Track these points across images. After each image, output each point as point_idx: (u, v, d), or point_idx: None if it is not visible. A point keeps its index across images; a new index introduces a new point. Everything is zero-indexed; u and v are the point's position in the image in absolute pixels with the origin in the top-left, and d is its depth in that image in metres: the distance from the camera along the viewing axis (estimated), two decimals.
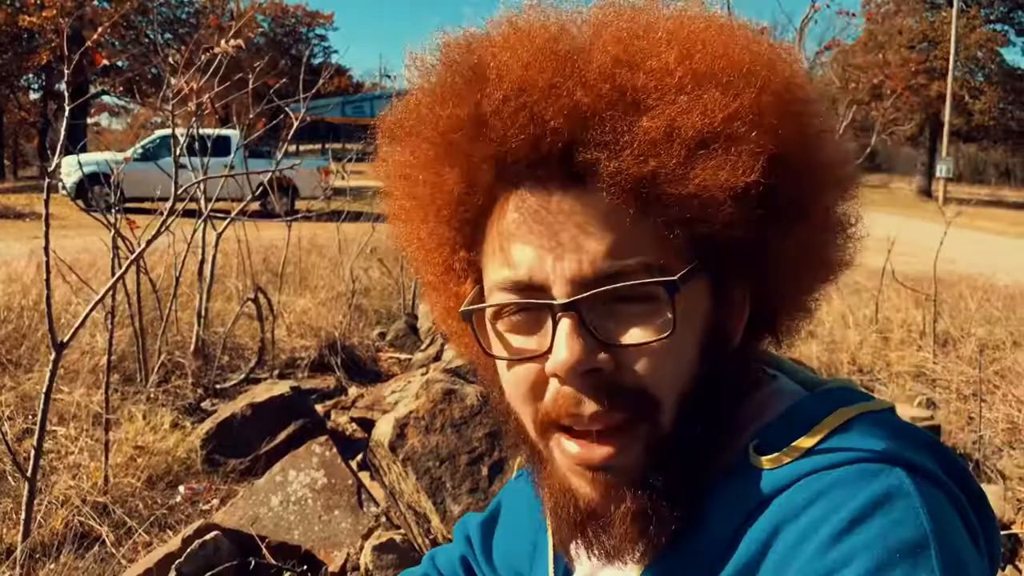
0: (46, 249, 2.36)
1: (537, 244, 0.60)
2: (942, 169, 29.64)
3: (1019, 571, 3.12)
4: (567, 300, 0.59)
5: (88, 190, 15.70)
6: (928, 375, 5.67)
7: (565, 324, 0.59)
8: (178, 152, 3.81)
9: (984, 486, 4.16)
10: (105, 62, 3.57)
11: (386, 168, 0.71)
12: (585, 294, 0.59)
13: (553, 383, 0.61)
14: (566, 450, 0.62)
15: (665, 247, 0.59)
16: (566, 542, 0.67)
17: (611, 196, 0.58)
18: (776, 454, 0.60)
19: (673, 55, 0.59)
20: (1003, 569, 3.14)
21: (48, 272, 2.41)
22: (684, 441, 0.61)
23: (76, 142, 20.94)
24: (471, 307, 0.66)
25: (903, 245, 12.04)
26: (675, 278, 0.59)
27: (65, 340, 2.39)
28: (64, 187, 18.62)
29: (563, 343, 0.59)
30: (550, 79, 0.60)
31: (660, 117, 0.57)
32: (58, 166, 2.63)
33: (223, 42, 3.35)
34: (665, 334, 0.59)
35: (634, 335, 0.60)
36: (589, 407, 0.60)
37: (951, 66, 31.73)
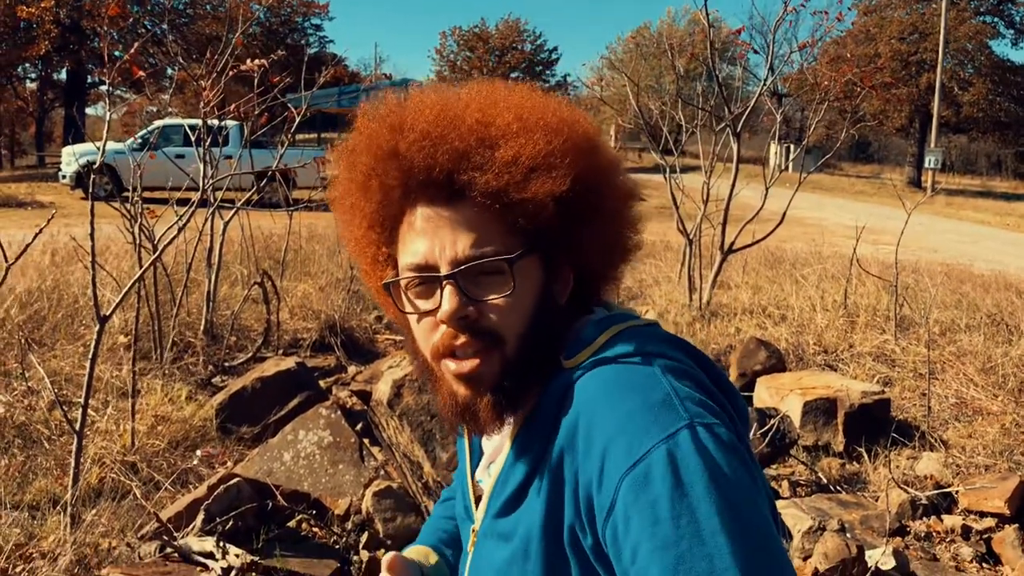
0: (91, 234, 2.72)
1: (430, 239, 0.93)
2: (930, 160, 29.95)
3: (942, 521, 3.52)
4: (448, 273, 0.91)
5: (87, 179, 16.04)
6: (888, 355, 5.98)
7: (448, 288, 0.91)
8: (205, 143, 4.12)
9: (927, 453, 4.52)
10: (141, 73, 3.88)
11: (336, 182, 1.03)
12: (459, 269, 0.91)
13: (442, 327, 0.93)
14: (449, 368, 0.95)
15: (511, 238, 0.92)
16: (452, 428, 1.04)
17: (478, 205, 0.91)
18: (573, 358, 0.94)
19: (511, 116, 0.94)
20: (928, 519, 3.54)
21: (93, 254, 2.77)
22: (522, 362, 0.93)
23: (78, 131, 21.17)
24: (389, 280, 0.99)
25: (886, 235, 12.35)
26: (512, 256, 0.91)
27: (108, 314, 2.76)
28: (64, 176, 18.89)
29: (447, 300, 0.91)
30: (440, 132, 0.92)
31: (508, 149, 0.91)
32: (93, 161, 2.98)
33: (248, 60, 3.70)
34: (508, 292, 0.91)
35: (490, 294, 0.92)
36: (461, 339, 0.92)
37: (940, 58, 32.01)
